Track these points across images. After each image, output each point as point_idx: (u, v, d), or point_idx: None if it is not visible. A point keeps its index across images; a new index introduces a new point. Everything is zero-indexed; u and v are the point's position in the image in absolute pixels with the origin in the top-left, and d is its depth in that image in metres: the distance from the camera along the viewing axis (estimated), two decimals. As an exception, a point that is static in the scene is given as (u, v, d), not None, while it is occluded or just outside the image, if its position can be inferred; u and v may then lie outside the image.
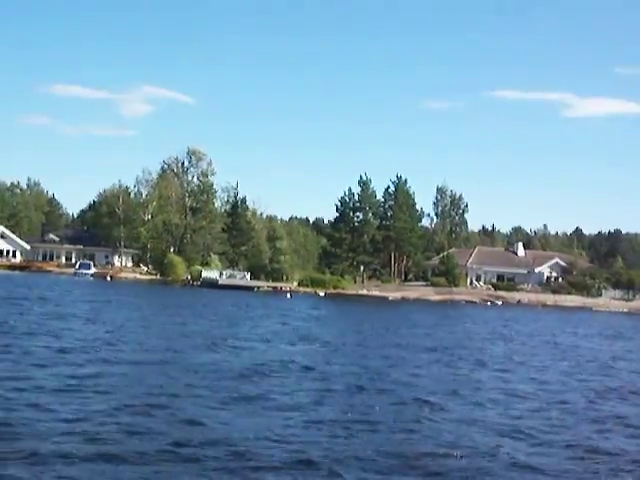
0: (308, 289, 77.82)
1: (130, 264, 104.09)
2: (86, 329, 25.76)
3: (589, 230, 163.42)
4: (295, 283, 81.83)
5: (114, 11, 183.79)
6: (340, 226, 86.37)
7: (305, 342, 25.90)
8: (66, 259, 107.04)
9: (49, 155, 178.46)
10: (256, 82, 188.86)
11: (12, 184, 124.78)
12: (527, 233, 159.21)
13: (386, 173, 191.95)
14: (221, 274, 79.15)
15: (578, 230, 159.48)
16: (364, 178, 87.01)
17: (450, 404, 14.68)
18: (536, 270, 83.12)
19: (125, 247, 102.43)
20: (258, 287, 77.69)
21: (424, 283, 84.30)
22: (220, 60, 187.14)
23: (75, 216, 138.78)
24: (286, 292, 71.10)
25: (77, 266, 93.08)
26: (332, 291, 78.38)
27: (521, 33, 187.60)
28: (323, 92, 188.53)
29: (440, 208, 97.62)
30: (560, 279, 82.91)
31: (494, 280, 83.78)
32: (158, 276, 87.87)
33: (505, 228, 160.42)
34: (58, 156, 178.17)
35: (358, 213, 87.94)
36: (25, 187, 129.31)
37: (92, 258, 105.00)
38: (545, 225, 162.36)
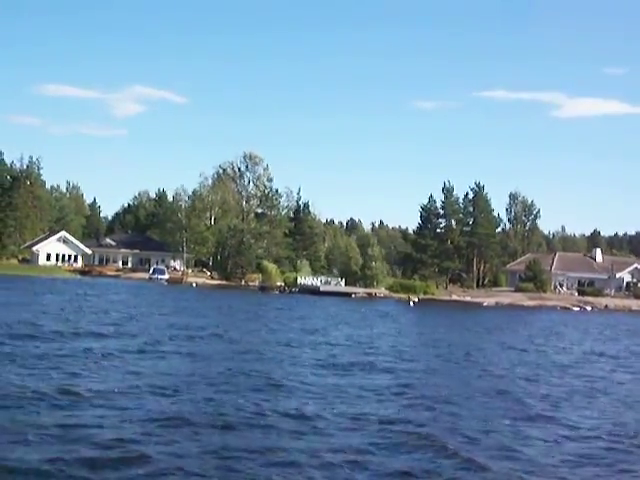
0: (401, 295, 79.04)
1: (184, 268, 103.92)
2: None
3: (606, 232, 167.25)
4: (382, 288, 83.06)
5: (105, 11, 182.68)
6: (425, 232, 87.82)
7: None
8: (123, 263, 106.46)
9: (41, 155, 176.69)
10: (248, 81, 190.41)
11: (52, 187, 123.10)
12: (545, 235, 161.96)
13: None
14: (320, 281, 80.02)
15: (596, 232, 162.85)
16: (447, 185, 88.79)
17: None
18: (617, 275, 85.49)
19: (186, 252, 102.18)
20: (355, 293, 78.61)
21: (506, 289, 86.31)
22: (212, 59, 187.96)
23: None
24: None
25: (151, 271, 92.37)
26: (423, 297, 79.80)
27: (513, 33, 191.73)
28: (320, 89, 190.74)
29: (513, 214, 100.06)
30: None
31: (575, 286, 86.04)
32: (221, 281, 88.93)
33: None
34: (49, 156, 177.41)
35: (441, 220, 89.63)
36: (65, 191, 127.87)
37: (148, 262, 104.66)
38: (563, 227, 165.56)
